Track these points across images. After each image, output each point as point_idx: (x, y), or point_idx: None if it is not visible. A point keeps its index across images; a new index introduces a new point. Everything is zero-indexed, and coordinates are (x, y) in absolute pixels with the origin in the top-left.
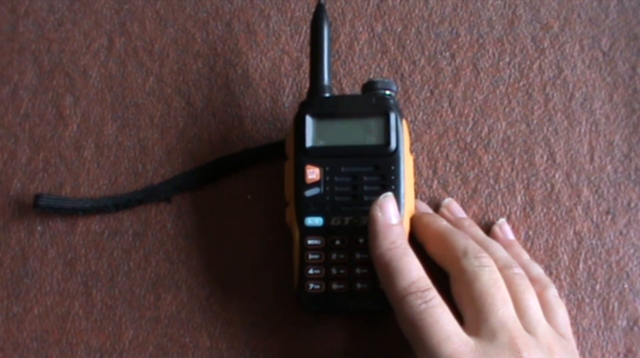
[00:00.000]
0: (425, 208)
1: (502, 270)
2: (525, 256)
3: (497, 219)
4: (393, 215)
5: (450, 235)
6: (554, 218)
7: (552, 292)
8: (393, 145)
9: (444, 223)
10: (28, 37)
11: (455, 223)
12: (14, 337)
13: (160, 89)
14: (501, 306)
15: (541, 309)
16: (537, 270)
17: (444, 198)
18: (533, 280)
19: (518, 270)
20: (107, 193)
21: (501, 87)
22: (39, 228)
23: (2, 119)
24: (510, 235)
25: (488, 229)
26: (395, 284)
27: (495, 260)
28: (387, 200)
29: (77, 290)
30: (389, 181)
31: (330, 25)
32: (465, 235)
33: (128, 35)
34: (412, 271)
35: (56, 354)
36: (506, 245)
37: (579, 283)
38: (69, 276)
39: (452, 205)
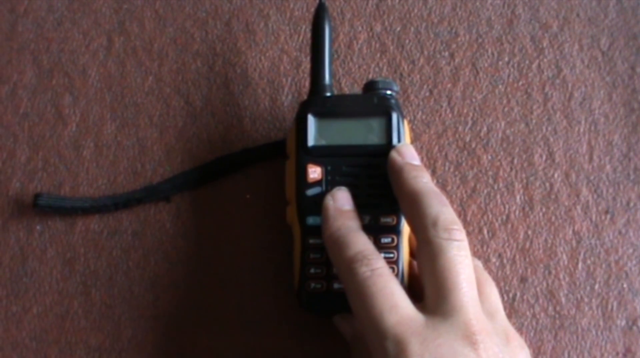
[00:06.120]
0: None
1: None
2: None
3: (497, 220)
4: (346, 203)
5: (424, 198)
6: (553, 218)
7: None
8: (395, 145)
9: (424, 180)
10: (27, 37)
11: None
12: (13, 336)
13: (160, 89)
14: (464, 286)
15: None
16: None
17: None
18: None
19: (476, 262)
20: (106, 192)
21: (500, 86)
22: (38, 227)
23: (1, 118)
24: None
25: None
26: (341, 256)
27: None
28: (340, 192)
29: (76, 289)
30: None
31: (331, 24)
32: (444, 200)
33: (127, 35)
34: (359, 243)
35: (55, 353)
36: None
37: (578, 283)
38: (68, 276)
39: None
